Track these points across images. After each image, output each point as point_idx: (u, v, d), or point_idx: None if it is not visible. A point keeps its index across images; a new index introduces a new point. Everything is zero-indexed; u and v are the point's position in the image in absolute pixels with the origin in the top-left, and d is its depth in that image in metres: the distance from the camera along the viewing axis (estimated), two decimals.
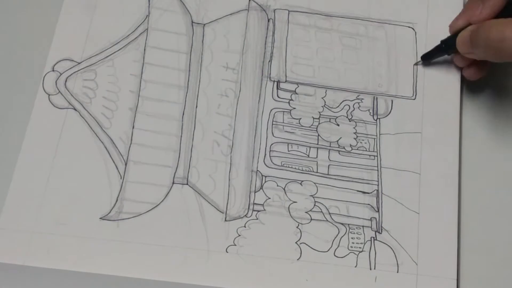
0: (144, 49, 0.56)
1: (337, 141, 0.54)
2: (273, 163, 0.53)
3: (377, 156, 0.54)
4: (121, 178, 0.52)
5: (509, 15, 0.50)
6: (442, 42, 0.55)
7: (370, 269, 0.50)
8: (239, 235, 0.51)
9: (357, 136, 0.54)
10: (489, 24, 0.50)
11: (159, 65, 0.56)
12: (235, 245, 0.51)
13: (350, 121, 0.55)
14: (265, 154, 0.54)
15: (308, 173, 0.53)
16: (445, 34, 0.55)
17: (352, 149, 0.54)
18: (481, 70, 0.54)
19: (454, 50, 0.53)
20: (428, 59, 0.56)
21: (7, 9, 0.58)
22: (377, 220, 0.52)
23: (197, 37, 0.57)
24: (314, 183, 0.53)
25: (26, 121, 0.53)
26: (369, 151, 0.54)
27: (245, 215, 0.52)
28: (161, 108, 0.54)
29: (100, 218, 0.51)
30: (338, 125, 0.55)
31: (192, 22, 0.57)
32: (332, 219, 0.52)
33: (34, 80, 0.55)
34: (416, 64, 0.56)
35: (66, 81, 0.55)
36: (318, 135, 0.54)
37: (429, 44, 0.56)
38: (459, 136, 0.54)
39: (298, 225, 0.51)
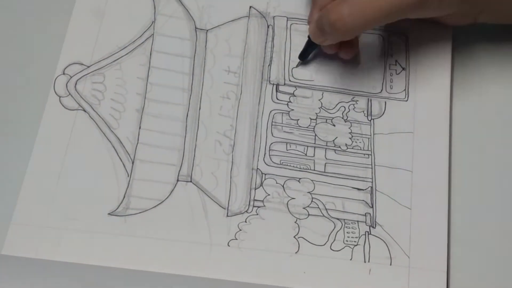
0: (150, 54, 0.56)
1: (333, 140, 0.54)
2: (272, 161, 0.53)
3: (371, 154, 0.54)
4: (128, 176, 0.52)
5: None
6: (308, 36, 0.55)
7: (365, 262, 0.50)
8: (240, 230, 0.51)
9: (352, 136, 0.54)
10: (327, 9, 0.50)
11: (164, 69, 0.56)
12: (236, 239, 0.51)
13: (345, 121, 0.55)
14: (265, 153, 0.54)
15: (306, 171, 0.53)
16: (434, 40, 0.56)
17: (347, 148, 0.54)
18: (351, 48, 0.54)
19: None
20: (304, 57, 0.56)
21: (20, 16, 0.58)
22: (371, 215, 0.52)
23: (200, 42, 0.57)
24: (312, 180, 0.53)
25: (38, 122, 0.53)
26: (363, 150, 0.54)
27: (246, 211, 0.52)
28: (166, 110, 0.54)
29: (108, 213, 0.51)
30: (334, 125, 0.55)
31: (196, 28, 0.57)
32: (329, 214, 0.52)
33: (45, 83, 0.55)
34: (297, 66, 0.56)
35: (76, 83, 0.55)
36: (315, 135, 0.54)
37: (421, 49, 0.56)
38: (449, 136, 0.54)
39: (296, 220, 0.51)
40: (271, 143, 0.54)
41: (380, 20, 0.50)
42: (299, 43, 0.57)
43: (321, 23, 0.51)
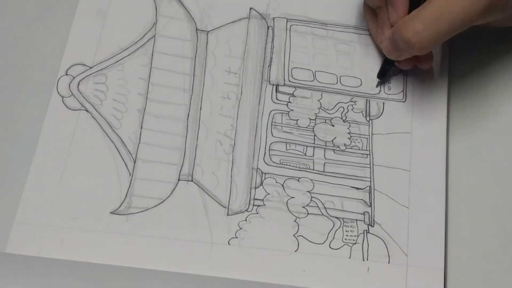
0: (152, 55, 0.56)
1: (332, 140, 0.54)
2: (272, 161, 0.53)
3: (369, 154, 0.54)
4: (130, 175, 0.52)
5: (415, 6, 0.50)
6: (384, 57, 0.55)
7: (363, 260, 0.50)
8: (241, 228, 0.51)
9: (351, 136, 0.54)
10: (399, 25, 0.50)
11: (166, 70, 0.56)
12: (237, 237, 0.51)
13: (344, 122, 0.55)
14: (264, 153, 0.54)
15: (305, 171, 0.53)
16: None
17: (346, 148, 0.54)
18: (428, 57, 0.54)
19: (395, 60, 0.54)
20: (383, 76, 0.55)
21: (24, 18, 0.58)
22: (370, 214, 0.52)
23: (201, 43, 0.57)
24: (311, 179, 0.53)
25: (41, 122, 0.53)
26: (362, 150, 0.54)
27: (246, 210, 0.52)
28: (168, 110, 0.54)
29: (110, 212, 0.51)
30: (333, 125, 0.55)
31: (197, 29, 0.58)
32: (328, 213, 0.52)
33: (49, 83, 0.55)
34: (377, 86, 0.56)
35: (78, 84, 0.55)
36: (315, 135, 0.54)
37: None
38: (446, 136, 0.54)
39: (296, 219, 0.51)
40: (271, 143, 0.54)
41: (453, 31, 0.49)
42: (299, 44, 0.57)
43: (394, 40, 0.51)
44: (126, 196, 0.52)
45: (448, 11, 0.48)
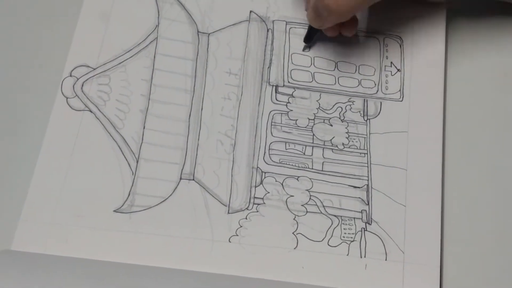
0: (154, 56, 0.56)
1: (331, 140, 0.54)
2: (272, 160, 0.54)
3: (367, 153, 0.54)
4: (133, 174, 0.52)
5: None
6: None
7: (361, 257, 0.50)
8: (241, 226, 0.51)
9: (348, 136, 0.54)
10: None
11: (168, 71, 0.56)
12: (237, 235, 0.51)
13: (342, 121, 0.55)
14: (264, 152, 0.54)
15: (304, 170, 0.53)
16: (428, 42, 0.56)
17: (344, 147, 0.54)
18: (352, 24, 0.54)
19: None
20: (309, 41, 0.56)
21: (29, 20, 0.58)
22: (367, 212, 0.52)
23: (202, 45, 0.57)
24: (310, 178, 0.53)
25: (46, 122, 0.53)
26: (359, 149, 0.54)
27: (247, 208, 0.52)
28: (170, 110, 0.55)
29: (114, 210, 0.51)
30: (331, 125, 0.55)
31: (198, 31, 0.58)
32: (326, 211, 0.52)
33: (53, 84, 0.55)
34: (304, 49, 0.57)
35: (82, 85, 0.55)
36: (313, 134, 0.54)
37: (415, 51, 0.57)
38: (442, 135, 0.54)
39: (295, 217, 0.51)
40: (271, 143, 0.54)
41: None
42: (298, 46, 0.57)
43: (316, 8, 0.52)
44: (129, 194, 0.52)
45: None
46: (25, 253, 0.49)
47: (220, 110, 0.55)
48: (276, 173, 0.53)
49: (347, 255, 0.50)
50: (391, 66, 0.56)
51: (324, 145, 0.54)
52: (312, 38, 0.56)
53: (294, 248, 0.50)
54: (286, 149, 0.54)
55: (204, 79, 0.56)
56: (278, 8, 0.58)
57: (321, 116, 0.55)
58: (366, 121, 0.55)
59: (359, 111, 0.55)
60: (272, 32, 0.58)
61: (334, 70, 0.56)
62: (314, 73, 0.56)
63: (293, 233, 0.51)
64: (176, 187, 0.52)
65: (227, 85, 0.56)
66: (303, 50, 0.56)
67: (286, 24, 0.58)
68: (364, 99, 0.55)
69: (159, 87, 0.55)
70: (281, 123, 0.55)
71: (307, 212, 0.52)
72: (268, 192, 0.52)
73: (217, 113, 0.55)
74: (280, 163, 0.53)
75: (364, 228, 0.51)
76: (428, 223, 0.51)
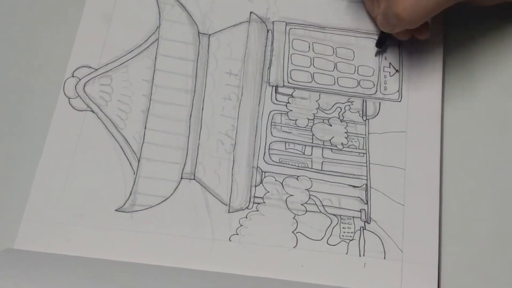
0: (155, 57, 0.56)
1: (330, 140, 0.54)
2: (272, 160, 0.54)
3: (366, 153, 0.54)
4: (134, 173, 0.52)
5: None
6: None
7: (360, 256, 0.50)
8: (241, 225, 0.51)
9: (348, 136, 0.54)
10: (390, 1, 0.51)
11: (169, 72, 0.56)
12: (238, 234, 0.51)
13: (341, 121, 0.55)
14: (264, 152, 0.54)
15: (304, 169, 0.53)
16: (426, 44, 0.56)
17: (343, 147, 0.54)
18: (424, 28, 0.54)
19: None
20: (381, 45, 0.56)
21: (32, 22, 0.58)
22: (366, 211, 0.52)
23: (203, 46, 0.57)
24: (309, 178, 0.53)
25: (49, 122, 0.54)
26: (358, 149, 0.54)
27: (247, 207, 0.52)
28: (171, 111, 0.55)
29: (115, 210, 0.51)
30: (330, 125, 0.55)
31: (199, 32, 0.58)
32: (325, 210, 0.52)
33: (55, 85, 0.55)
34: (376, 55, 0.56)
35: (84, 86, 0.55)
36: (313, 134, 0.54)
37: (413, 51, 0.57)
38: (440, 135, 0.54)
39: (295, 216, 0.51)
40: (271, 142, 0.54)
41: (441, 7, 0.50)
42: (298, 46, 0.57)
43: (386, 14, 0.52)
44: (130, 194, 0.52)
45: None
46: (27, 252, 0.49)
47: (220, 110, 0.55)
48: (276, 173, 0.53)
49: (346, 253, 0.50)
50: (389, 67, 0.56)
51: (323, 145, 0.54)
52: (384, 42, 0.56)
53: (294, 247, 0.50)
54: (286, 149, 0.54)
55: (205, 80, 0.56)
56: (278, 9, 0.59)
57: (320, 116, 0.55)
58: (365, 121, 0.55)
59: (358, 111, 0.55)
60: (272, 33, 0.58)
61: (333, 70, 0.57)
62: (313, 73, 0.56)
63: (292, 232, 0.51)
64: (177, 187, 0.52)
65: (227, 86, 0.56)
66: (375, 55, 0.57)
67: (285, 25, 0.58)
68: (363, 100, 0.56)
69: (160, 88, 0.55)
70: (281, 123, 0.55)
71: (306, 211, 0.52)
72: (268, 192, 0.52)
73: (218, 113, 0.55)
74: (280, 162, 0.53)
75: (363, 227, 0.51)
76: (426, 222, 0.51)
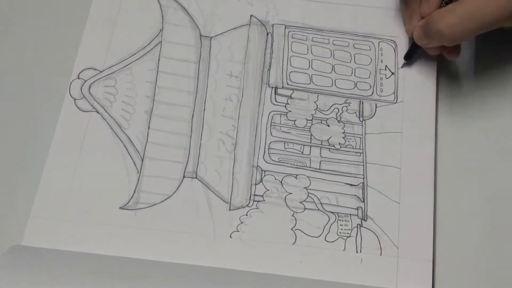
0: (158, 59, 0.56)
1: (328, 140, 0.54)
2: (271, 159, 0.54)
3: (362, 153, 0.54)
4: (138, 172, 0.53)
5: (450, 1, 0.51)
6: (412, 40, 0.55)
7: (357, 252, 0.51)
8: (242, 223, 0.51)
9: (345, 136, 0.54)
10: (435, 17, 0.50)
11: (172, 73, 0.56)
12: (238, 231, 0.51)
13: (339, 122, 0.55)
14: (264, 151, 0.54)
15: (302, 168, 0.53)
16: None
17: (341, 147, 0.54)
18: (456, 48, 0.53)
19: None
20: (409, 58, 0.56)
21: (39, 25, 0.58)
22: (363, 209, 0.52)
23: (204, 49, 0.57)
24: (308, 176, 0.53)
25: (55, 123, 0.54)
26: (355, 148, 0.54)
27: (247, 205, 0.52)
28: (173, 111, 0.55)
29: (120, 207, 0.51)
30: (328, 126, 0.55)
31: (200, 35, 0.58)
32: (323, 208, 0.52)
33: (62, 86, 0.55)
34: (402, 66, 0.56)
35: (90, 87, 0.55)
36: (311, 134, 0.54)
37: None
38: (435, 135, 0.54)
39: (293, 213, 0.52)
40: (270, 142, 0.54)
41: (484, 29, 0.49)
42: (296, 49, 0.57)
43: (427, 29, 0.51)
44: (134, 192, 0.52)
45: (483, 10, 0.48)
46: (35, 248, 0.49)
47: (221, 111, 0.55)
48: (275, 172, 0.53)
49: (344, 250, 0.51)
50: (385, 70, 0.56)
51: (321, 144, 0.54)
52: (413, 55, 0.56)
53: (293, 243, 0.51)
54: (285, 148, 0.54)
55: (207, 81, 0.56)
56: (278, 12, 0.59)
57: (318, 117, 0.55)
58: (362, 121, 0.55)
59: (355, 112, 0.55)
60: (271, 35, 0.58)
61: (331, 72, 0.57)
62: (312, 75, 0.56)
63: (291, 229, 0.51)
64: (179, 185, 0.52)
65: (228, 87, 0.56)
66: (402, 67, 0.56)
67: (285, 28, 0.58)
68: (360, 101, 0.56)
69: (163, 89, 0.56)
70: (280, 124, 0.55)
71: (305, 209, 0.52)
72: (268, 190, 0.52)
73: (219, 114, 0.55)
74: (279, 162, 0.54)
75: (359, 224, 0.51)
76: (421, 219, 0.51)
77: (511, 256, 0.51)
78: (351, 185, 0.53)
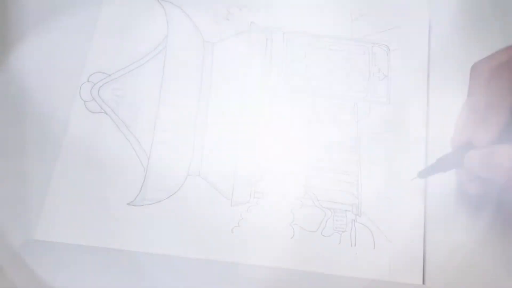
0: (164, 64, 0.56)
1: (325, 139, 0.55)
2: (271, 158, 0.54)
3: (357, 152, 0.54)
4: (144, 170, 0.53)
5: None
6: (439, 160, 0.50)
7: (351, 246, 0.51)
8: (243, 218, 0.52)
9: (341, 136, 0.55)
10: (502, 152, 0.44)
11: (176, 77, 0.56)
12: (239, 226, 0.51)
13: (335, 123, 0.55)
14: (264, 150, 0.54)
15: (300, 166, 0.54)
16: (412, 52, 0.57)
17: (337, 146, 0.54)
18: (485, 184, 0.48)
19: (451, 166, 0.49)
20: (424, 176, 0.51)
21: (51, 31, 0.58)
22: (358, 205, 0.52)
23: (208, 54, 0.57)
24: (305, 174, 0.53)
25: (66, 123, 0.54)
26: (351, 148, 0.54)
27: (248, 201, 0.52)
28: (178, 113, 0.55)
29: (127, 204, 0.52)
30: (325, 126, 0.55)
31: (204, 41, 0.58)
32: (320, 204, 0.52)
33: (72, 89, 0.55)
34: (413, 179, 0.51)
35: (99, 90, 0.55)
36: (309, 134, 0.55)
37: (404, 60, 0.57)
38: (425, 136, 0.54)
39: (292, 209, 0.52)
40: None
41: None
42: (295, 54, 0.57)
43: (489, 162, 0.44)
44: (141, 189, 0.52)
45: None
46: (48, 242, 0.50)
47: (223, 113, 0.55)
48: (275, 170, 0.53)
49: (339, 244, 0.51)
50: (379, 72, 0.57)
51: (319, 144, 0.54)
52: (429, 174, 0.51)
53: (291, 238, 0.51)
54: None
55: (209, 85, 0.56)
56: (277, 19, 0.58)
57: (315, 118, 0.55)
58: (357, 122, 0.55)
59: (350, 113, 0.55)
60: (271, 41, 0.58)
61: (327, 76, 0.57)
62: (309, 79, 0.57)
63: (290, 224, 0.52)
64: (183, 183, 0.53)
65: (230, 90, 0.56)
66: (412, 180, 0.52)
67: (283, 34, 0.58)
68: (355, 103, 0.56)
69: (168, 92, 0.55)
70: None
71: (303, 205, 0.52)
72: (268, 187, 0.53)
73: (221, 115, 0.55)
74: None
75: (354, 220, 0.52)
76: (412, 215, 0.52)
77: (500, 250, 0.51)
78: (346, 182, 0.53)
